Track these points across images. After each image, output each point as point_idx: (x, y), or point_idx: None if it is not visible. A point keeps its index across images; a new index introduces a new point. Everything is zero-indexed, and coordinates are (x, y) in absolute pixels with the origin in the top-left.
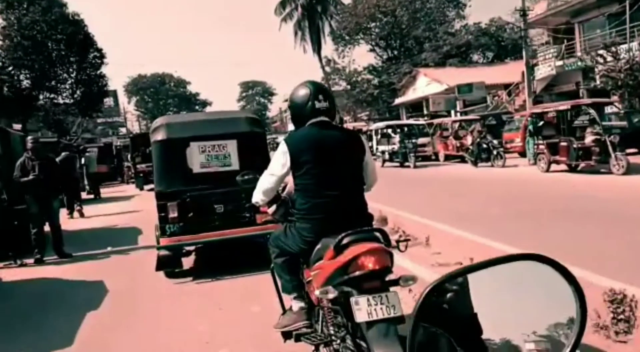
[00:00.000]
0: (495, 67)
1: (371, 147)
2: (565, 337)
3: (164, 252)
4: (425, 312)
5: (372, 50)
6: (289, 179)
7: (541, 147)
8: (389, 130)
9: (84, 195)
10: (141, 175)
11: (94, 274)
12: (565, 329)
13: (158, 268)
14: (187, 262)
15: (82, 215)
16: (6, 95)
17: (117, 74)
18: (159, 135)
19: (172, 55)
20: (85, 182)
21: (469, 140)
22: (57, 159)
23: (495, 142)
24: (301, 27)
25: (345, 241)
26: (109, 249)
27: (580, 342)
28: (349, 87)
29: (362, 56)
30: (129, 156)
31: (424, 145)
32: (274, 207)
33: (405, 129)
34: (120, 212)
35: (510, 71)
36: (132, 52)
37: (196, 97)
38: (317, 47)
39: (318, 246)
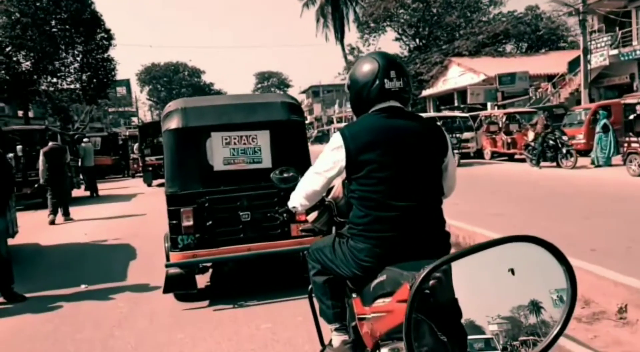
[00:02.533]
0: (534, 58)
1: None
2: (555, 316)
3: (174, 270)
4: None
5: (398, 39)
6: (337, 181)
7: (634, 145)
8: None
9: (79, 192)
10: (150, 169)
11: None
12: (555, 309)
13: (167, 289)
14: (202, 279)
15: (66, 215)
16: (2, 78)
17: (126, 61)
18: (173, 123)
19: (185, 40)
20: (80, 177)
21: (530, 135)
22: (42, 150)
23: (565, 138)
24: (324, 13)
25: (432, 282)
26: (83, 287)
27: (569, 320)
28: None
29: (386, 46)
30: (134, 147)
31: (467, 140)
32: (314, 214)
33: (447, 122)
34: (117, 216)
35: (552, 61)
36: (142, 35)
37: (210, 87)
38: (340, 35)
39: (382, 277)
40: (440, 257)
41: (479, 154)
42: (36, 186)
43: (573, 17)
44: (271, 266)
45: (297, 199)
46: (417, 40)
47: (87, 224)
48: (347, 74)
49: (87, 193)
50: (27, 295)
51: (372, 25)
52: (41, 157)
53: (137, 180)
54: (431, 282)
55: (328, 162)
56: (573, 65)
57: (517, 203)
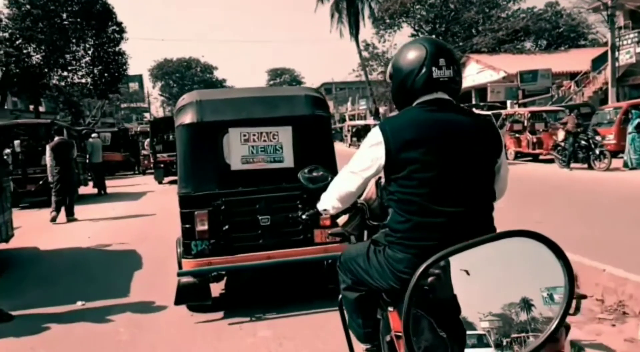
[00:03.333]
0: (556, 55)
1: None
2: (552, 311)
3: (187, 279)
4: (416, 297)
5: (413, 35)
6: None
7: None
8: None
9: (86, 190)
10: (161, 166)
11: None
12: (553, 303)
13: (179, 300)
14: (216, 286)
15: (70, 215)
16: (13, 72)
17: (138, 56)
18: (187, 117)
19: (197, 34)
20: (88, 174)
21: (560, 135)
22: (49, 145)
23: (598, 138)
24: (339, 8)
25: (430, 279)
26: (79, 305)
27: (567, 315)
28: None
29: (401, 42)
30: (145, 143)
31: None
32: (345, 218)
33: None
34: (125, 216)
35: (574, 59)
36: (154, 29)
37: (222, 83)
38: (355, 31)
39: None
40: None
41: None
42: (41, 182)
43: (595, 14)
44: (292, 274)
45: (329, 201)
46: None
47: (91, 225)
48: (390, 63)
49: (95, 190)
50: (15, 313)
51: (387, 21)
52: (48, 153)
53: (148, 177)
54: (430, 279)
55: (365, 160)
56: (597, 62)
57: (555, 208)
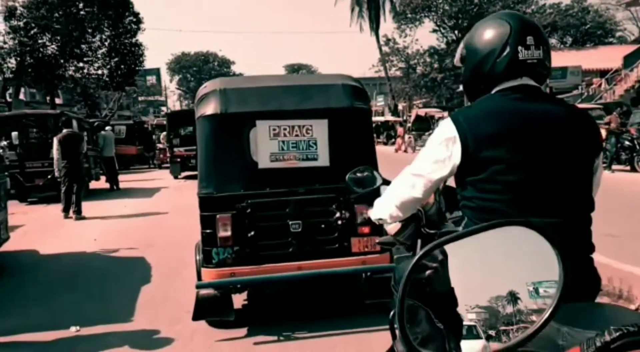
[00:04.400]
0: (584, 52)
1: None
2: (546, 302)
3: (207, 291)
4: (411, 288)
5: (435, 30)
6: None
7: None
8: None
9: (98, 184)
10: (178, 160)
11: None
12: (546, 294)
13: (197, 315)
14: (238, 297)
15: (78, 213)
16: (28, 62)
17: (155, 48)
18: (209, 108)
19: (214, 26)
20: (99, 168)
21: (601, 134)
22: (56, 138)
23: None
24: (359, 2)
25: (428, 272)
26: (74, 330)
27: (560, 306)
28: (408, 69)
29: (422, 37)
30: (161, 137)
31: None
32: (397, 225)
33: None
34: (135, 214)
35: (603, 56)
36: (172, 21)
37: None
38: (375, 25)
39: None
40: (591, 296)
41: None
42: (49, 176)
43: (623, 11)
44: (325, 287)
45: (386, 209)
46: (456, 32)
47: (99, 225)
48: (461, 46)
49: (107, 185)
50: None
51: (409, 15)
52: (55, 146)
53: (163, 171)
54: (428, 272)
55: (434, 159)
56: (630, 59)
57: (614, 217)
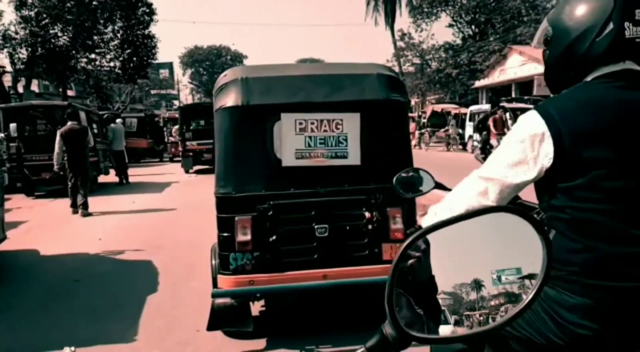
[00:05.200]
0: None
1: (461, 134)
2: (528, 287)
3: (224, 300)
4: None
5: (451, 25)
6: None
7: None
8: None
9: (108, 178)
10: (190, 154)
11: None
12: (529, 279)
13: (212, 326)
14: (255, 306)
15: (85, 209)
16: (39, 53)
17: (168, 41)
18: (229, 99)
19: (228, 18)
20: (108, 161)
21: None
22: (59, 131)
23: None
24: None
25: (411, 261)
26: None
27: (543, 288)
28: (422, 65)
29: (438, 32)
30: (173, 130)
31: None
32: None
33: (518, 113)
34: (144, 210)
35: None
36: (185, 13)
37: None
38: (390, 20)
39: None
40: None
41: None
42: (54, 170)
43: None
44: (353, 297)
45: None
46: (473, 27)
47: (106, 221)
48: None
49: (117, 179)
50: None
51: (425, 9)
52: (57, 139)
53: (174, 165)
54: (410, 261)
55: (515, 160)
56: None
57: None
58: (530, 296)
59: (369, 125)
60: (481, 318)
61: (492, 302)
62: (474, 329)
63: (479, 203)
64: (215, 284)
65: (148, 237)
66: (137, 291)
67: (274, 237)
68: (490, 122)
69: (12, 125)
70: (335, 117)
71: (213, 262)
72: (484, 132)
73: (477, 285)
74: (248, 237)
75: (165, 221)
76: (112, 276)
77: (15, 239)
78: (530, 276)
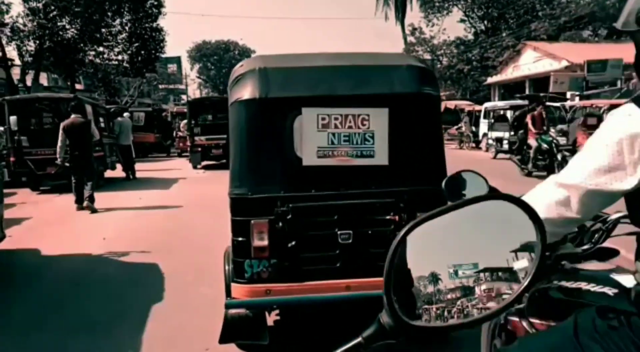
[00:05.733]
0: (622, 45)
1: (474, 132)
2: (522, 273)
3: (238, 311)
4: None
5: (463, 20)
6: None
7: None
8: (510, 112)
9: (114, 173)
10: (199, 149)
11: None
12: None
13: (225, 338)
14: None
15: (91, 202)
16: (47, 46)
17: (176, 36)
18: (246, 91)
19: (237, 12)
20: (114, 157)
21: None
22: (62, 125)
23: None
24: None
25: None
26: None
27: (538, 276)
28: (433, 60)
29: (450, 27)
30: (181, 125)
31: (559, 134)
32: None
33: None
34: (150, 207)
35: None
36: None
37: None
38: (401, 14)
39: None
40: None
41: (571, 151)
42: (59, 165)
43: None
44: (378, 309)
45: None
46: (486, 22)
47: (110, 220)
48: None
49: (124, 174)
50: None
51: (437, 4)
52: (60, 132)
53: (182, 160)
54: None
55: (606, 165)
56: None
57: None
58: (526, 283)
59: (398, 122)
60: (478, 306)
61: (486, 290)
62: (471, 317)
63: (559, 215)
64: (228, 293)
65: (154, 238)
66: (141, 299)
67: (293, 243)
68: (529, 120)
69: (12, 118)
70: (362, 112)
71: (226, 267)
72: (520, 131)
73: (472, 273)
74: (265, 242)
75: (172, 220)
76: (115, 280)
77: (17, 237)
78: (525, 263)
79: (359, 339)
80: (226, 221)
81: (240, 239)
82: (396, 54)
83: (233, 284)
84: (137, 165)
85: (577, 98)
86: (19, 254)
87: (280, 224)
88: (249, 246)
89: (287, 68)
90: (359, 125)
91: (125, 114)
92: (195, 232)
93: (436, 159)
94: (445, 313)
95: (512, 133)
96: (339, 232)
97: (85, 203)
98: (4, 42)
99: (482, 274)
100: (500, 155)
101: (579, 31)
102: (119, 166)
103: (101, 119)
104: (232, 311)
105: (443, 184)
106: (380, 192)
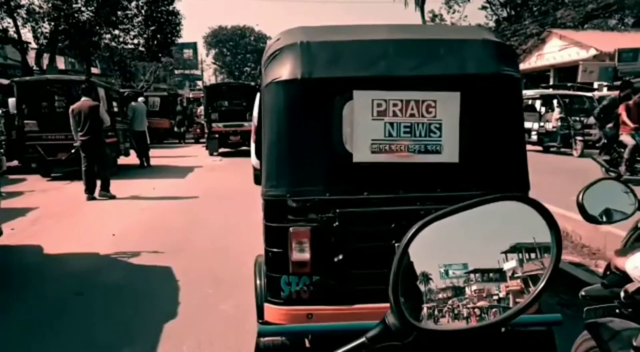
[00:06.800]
0: None
1: None
2: (537, 276)
3: (271, 339)
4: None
5: (484, 7)
6: None
7: None
8: (539, 102)
9: (128, 160)
10: (216, 136)
11: None
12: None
13: None
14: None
15: (104, 189)
16: (62, 28)
17: (192, 19)
18: (284, 69)
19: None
20: (128, 143)
21: None
22: (70, 108)
23: None
24: None
25: None
26: None
27: (553, 279)
28: None
29: (471, 14)
30: (197, 111)
31: (590, 126)
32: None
33: (567, 101)
34: (165, 198)
35: None
36: None
37: None
38: (420, 0)
39: None
40: None
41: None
42: (73, 151)
43: None
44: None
45: None
46: (508, 9)
47: (122, 211)
48: None
49: (138, 161)
50: None
51: None
52: (70, 116)
53: (198, 147)
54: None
55: None
56: None
57: None
58: (541, 286)
59: (471, 109)
60: (492, 310)
61: (500, 294)
62: (485, 321)
63: None
64: (260, 315)
65: (168, 235)
66: (151, 314)
67: (340, 257)
68: (622, 111)
69: (11, 100)
70: (427, 97)
71: (257, 282)
72: (609, 125)
73: (484, 276)
74: (306, 255)
75: (188, 214)
76: (122, 290)
77: (19, 231)
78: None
79: (363, 339)
80: (245, 214)
81: (275, 250)
82: (468, 27)
83: (266, 305)
84: (152, 152)
85: (604, 88)
86: (18, 252)
87: (325, 233)
88: (287, 259)
89: (335, 42)
90: (424, 113)
91: (140, 99)
92: (211, 229)
93: (517, 157)
94: (457, 316)
95: (597, 129)
96: (396, 245)
97: (97, 193)
98: (19, 24)
99: (499, 275)
100: (528, 146)
101: (606, 19)
102: (132, 153)
103: (114, 104)
104: (266, 339)
105: (577, 199)
106: (448, 196)
